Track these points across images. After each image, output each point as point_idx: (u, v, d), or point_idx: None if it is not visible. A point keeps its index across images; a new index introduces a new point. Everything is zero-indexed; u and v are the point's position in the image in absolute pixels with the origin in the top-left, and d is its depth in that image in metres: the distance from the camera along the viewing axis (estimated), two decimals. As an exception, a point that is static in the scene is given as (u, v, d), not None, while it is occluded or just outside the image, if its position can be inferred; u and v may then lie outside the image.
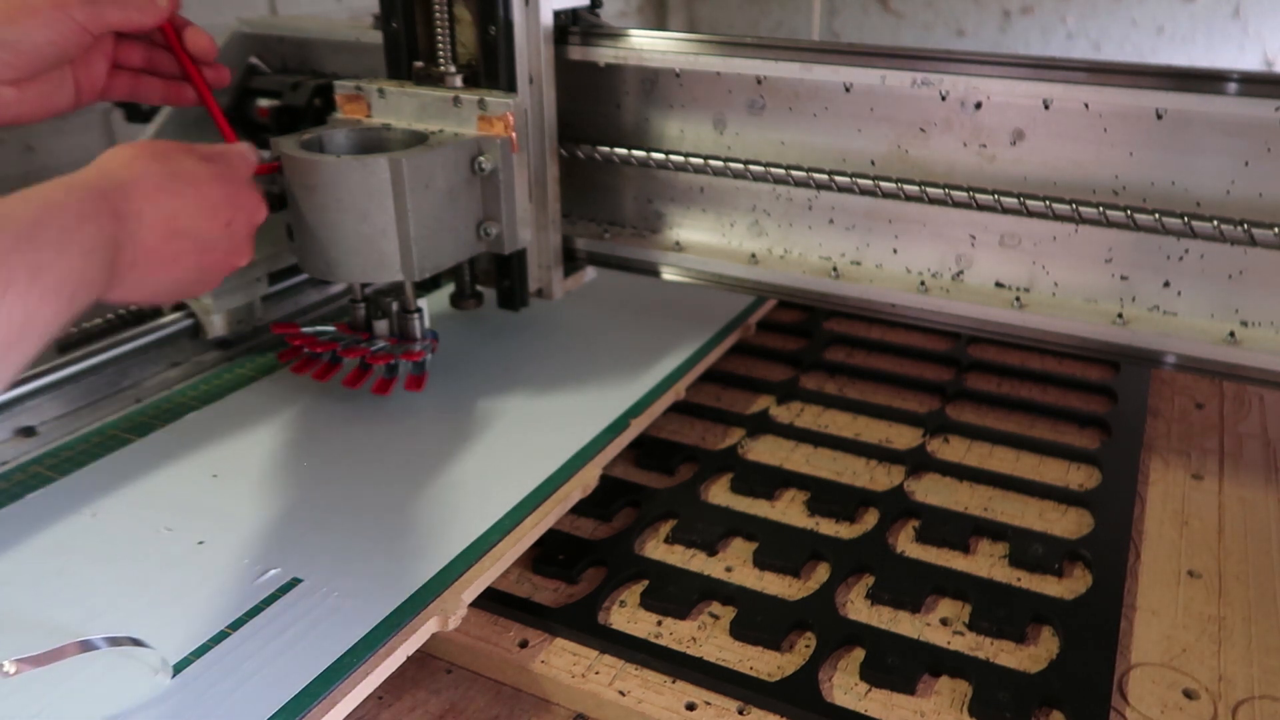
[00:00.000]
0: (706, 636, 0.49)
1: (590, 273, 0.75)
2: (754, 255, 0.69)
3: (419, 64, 0.65)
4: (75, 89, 0.57)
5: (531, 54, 0.64)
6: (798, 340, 0.80)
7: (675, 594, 0.51)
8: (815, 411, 0.70)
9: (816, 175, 0.63)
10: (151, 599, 0.47)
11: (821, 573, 0.53)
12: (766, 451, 0.65)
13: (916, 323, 0.65)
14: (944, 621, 0.50)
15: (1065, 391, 0.73)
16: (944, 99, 0.60)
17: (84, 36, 0.54)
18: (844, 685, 0.46)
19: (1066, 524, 0.58)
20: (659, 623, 0.50)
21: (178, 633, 0.44)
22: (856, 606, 0.51)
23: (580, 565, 0.53)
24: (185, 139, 0.86)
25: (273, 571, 0.49)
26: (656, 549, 0.56)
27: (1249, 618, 0.50)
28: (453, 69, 0.64)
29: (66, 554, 0.50)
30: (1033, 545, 0.54)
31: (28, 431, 0.62)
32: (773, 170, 0.64)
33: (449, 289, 0.73)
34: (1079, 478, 0.62)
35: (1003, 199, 0.59)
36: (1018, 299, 0.62)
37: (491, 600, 0.50)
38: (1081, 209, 0.57)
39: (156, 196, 0.48)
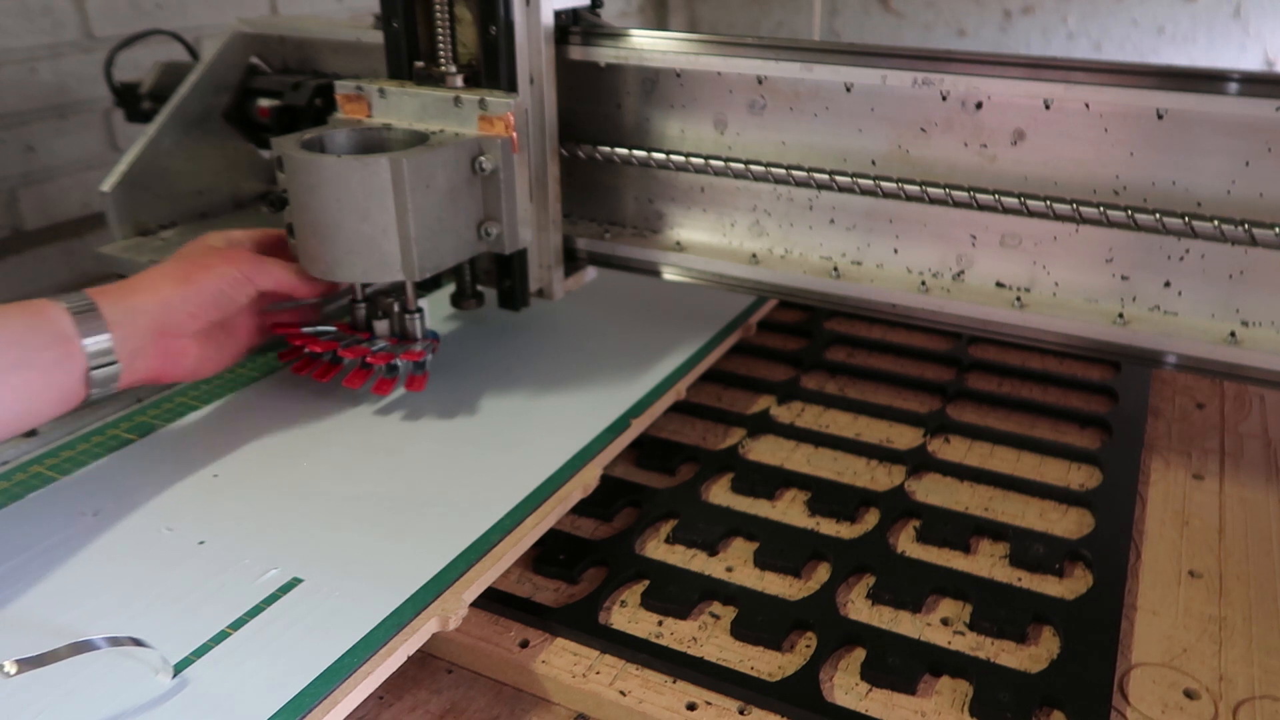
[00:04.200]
0: (707, 636, 0.49)
1: (591, 273, 0.75)
2: (755, 255, 0.69)
3: (420, 64, 0.65)
4: (241, 341, 0.64)
5: (532, 54, 0.64)
6: (798, 340, 0.80)
7: (676, 594, 0.51)
8: (816, 411, 0.70)
9: (817, 175, 0.63)
10: (152, 599, 0.47)
11: (822, 573, 0.53)
12: (767, 451, 0.65)
13: (917, 323, 0.65)
14: (945, 621, 0.50)
15: (1066, 391, 0.73)
16: (945, 99, 0.60)
17: (248, 287, 0.60)
18: (845, 685, 0.46)
19: (1067, 524, 0.58)
20: (660, 623, 0.50)
21: (178, 633, 0.44)
22: (857, 606, 0.51)
23: (581, 565, 0.53)
24: (185, 138, 0.86)
25: (273, 571, 0.49)
26: (657, 549, 0.56)
27: (1250, 618, 0.50)
28: (453, 69, 0.64)
29: (67, 554, 0.50)
30: (1033, 545, 0.54)
31: (28, 431, 0.62)
32: (773, 170, 0.64)
33: (450, 289, 0.73)
34: (1080, 478, 0.62)
35: (1003, 199, 0.59)
36: (1018, 299, 0.62)
37: (492, 600, 0.50)
38: (1082, 209, 0.57)
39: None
